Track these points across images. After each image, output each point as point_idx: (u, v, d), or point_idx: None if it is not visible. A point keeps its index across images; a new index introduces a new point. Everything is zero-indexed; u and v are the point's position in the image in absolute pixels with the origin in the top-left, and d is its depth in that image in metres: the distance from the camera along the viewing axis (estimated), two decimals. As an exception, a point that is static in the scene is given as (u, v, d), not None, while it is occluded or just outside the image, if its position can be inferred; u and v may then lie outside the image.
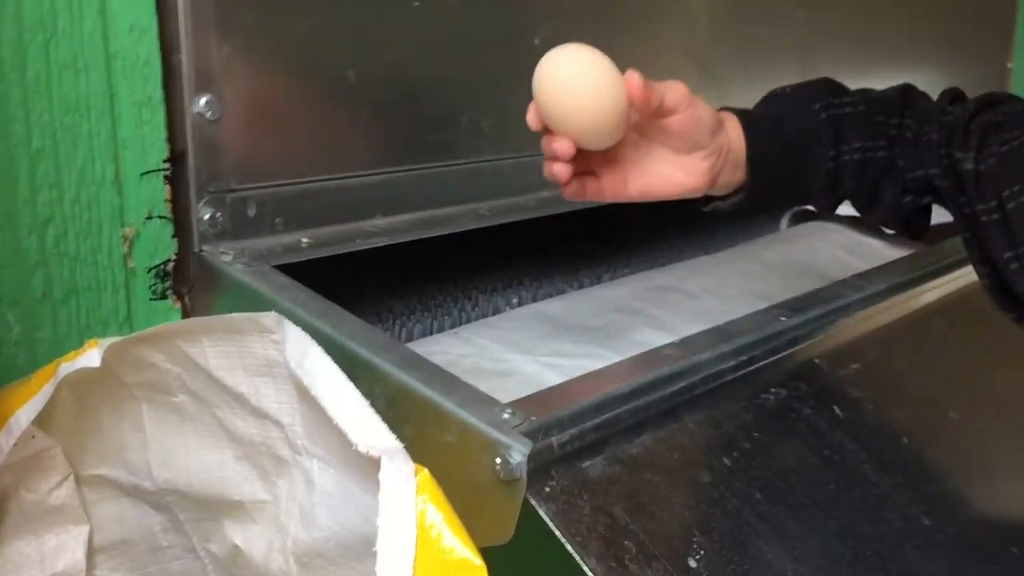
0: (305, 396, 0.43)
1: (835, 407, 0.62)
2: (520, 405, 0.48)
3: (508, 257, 0.81)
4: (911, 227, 0.64)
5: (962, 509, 0.60)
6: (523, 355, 0.69)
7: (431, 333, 0.75)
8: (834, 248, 0.96)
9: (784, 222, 1.07)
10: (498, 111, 0.74)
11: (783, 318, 0.64)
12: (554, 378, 0.66)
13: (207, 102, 0.57)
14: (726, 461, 0.54)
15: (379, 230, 0.66)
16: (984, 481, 0.65)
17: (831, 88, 0.63)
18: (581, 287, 0.86)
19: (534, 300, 0.82)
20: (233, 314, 0.44)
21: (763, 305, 0.81)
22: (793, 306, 0.67)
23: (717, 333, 0.60)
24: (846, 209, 1.03)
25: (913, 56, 1.26)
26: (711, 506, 0.51)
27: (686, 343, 0.58)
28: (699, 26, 0.92)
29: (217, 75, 0.57)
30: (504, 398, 0.61)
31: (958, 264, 0.79)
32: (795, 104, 0.62)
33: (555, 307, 0.79)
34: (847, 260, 0.94)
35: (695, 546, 0.48)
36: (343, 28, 0.64)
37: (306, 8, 0.61)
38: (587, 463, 0.49)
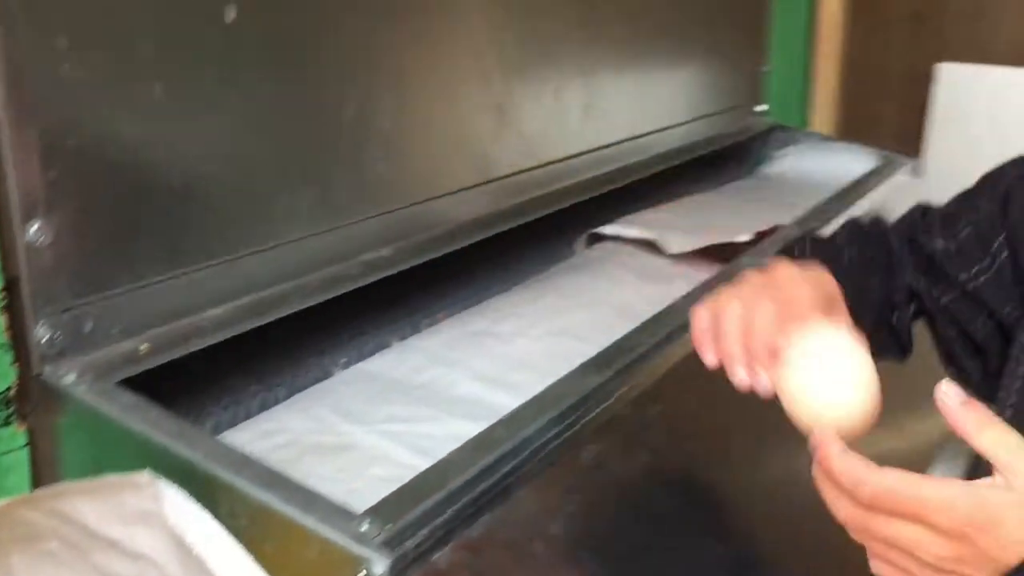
0: (180, 543, 0.47)
1: (642, 453, 0.72)
2: (375, 512, 0.54)
3: (333, 318, 0.85)
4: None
5: (763, 537, 0.71)
6: (360, 425, 0.74)
7: (269, 406, 0.78)
8: (628, 274, 1.06)
9: (579, 245, 1.16)
10: (313, 187, 0.77)
11: (591, 378, 0.72)
12: (392, 448, 0.72)
13: (37, 228, 0.58)
14: (553, 528, 0.62)
15: (215, 322, 0.69)
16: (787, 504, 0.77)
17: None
18: (403, 337, 0.91)
19: (360, 356, 0.87)
20: (108, 476, 0.47)
21: (569, 342, 0.90)
22: (599, 362, 0.75)
23: (539, 403, 0.67)
24: (635, 231, 1.13)
25: (675, 63, 1.36)
26: (547, 573, 0.59)
27: (513, 420, 0.65)
28: (494, 75, 0.98)
29: (45, 200, 0.58)
30: (349, 478, 0.66)
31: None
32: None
33: (380, 365, 0.84)
34: (640, 286, 1.04)
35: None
36: (163, 136, 0.65)
37: (126, 128, 0.62)
38: (436, 555, 0.55)
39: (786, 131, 1.67)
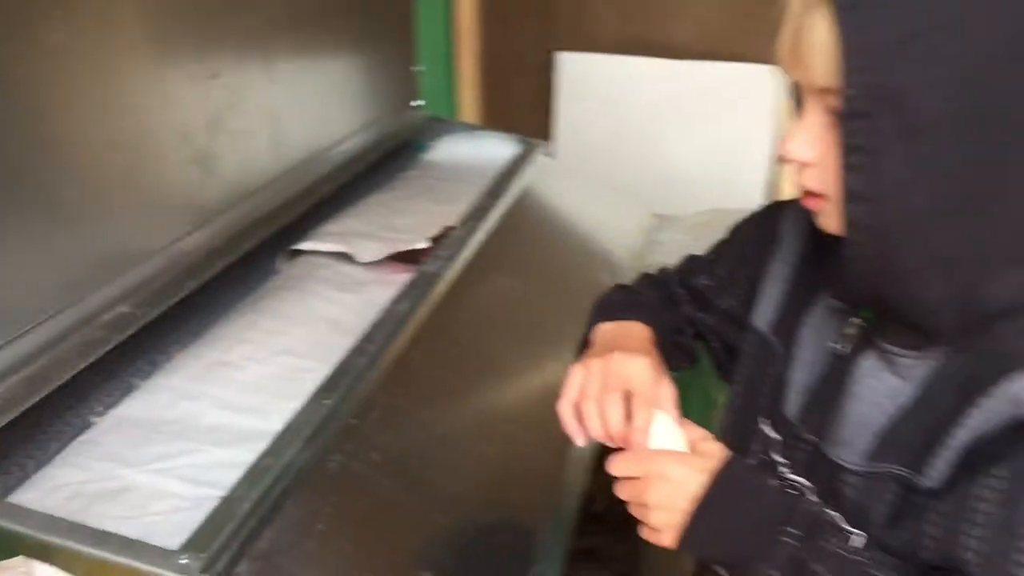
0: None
1: (371, 454, 0.92)
2: (189, 545, 0.69)
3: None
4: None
5: (473, 506, 0.94)
6: (131, 468, 0.87)
7: (44, 463, 0.88)
8: (328, 287, 1.24)
9: (281, 262, 1.32)
10: (55, 273, 0.88)
11: (325, 401, 0.91)
12: (165, 483, 0.86)
13: None
14: (319, 527, 0.81)
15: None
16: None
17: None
18: (146, 376, 1.03)
19: (112, 400, 0.98)
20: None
21: (294, 361, 1.07)
22: (328, 385, 0.93)
23: (291, 430, 0.85)
24: (328, 244, 1.30)
25: (338, 76, 1.53)
26: (319, 564, 0.78)
27: (274, 450, 0.82)
28: (197, 131, 1.11)
29: None
30: (139, 516, 0.81)
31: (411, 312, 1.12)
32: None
33: (133, 408, 0.97)
34: (341, 297, 1.22)
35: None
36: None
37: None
38: (239, 568, 0.72)
39: (440, 122, 1.90)
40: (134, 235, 1.01)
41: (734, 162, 2.04)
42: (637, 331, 0.87)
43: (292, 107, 1.35)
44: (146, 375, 1.03)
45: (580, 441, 0.79)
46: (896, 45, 0.62)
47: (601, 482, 0.98)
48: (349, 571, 0.79)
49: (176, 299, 1.03)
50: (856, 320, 0.75)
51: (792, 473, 0.76)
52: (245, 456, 0.87)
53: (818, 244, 0.80)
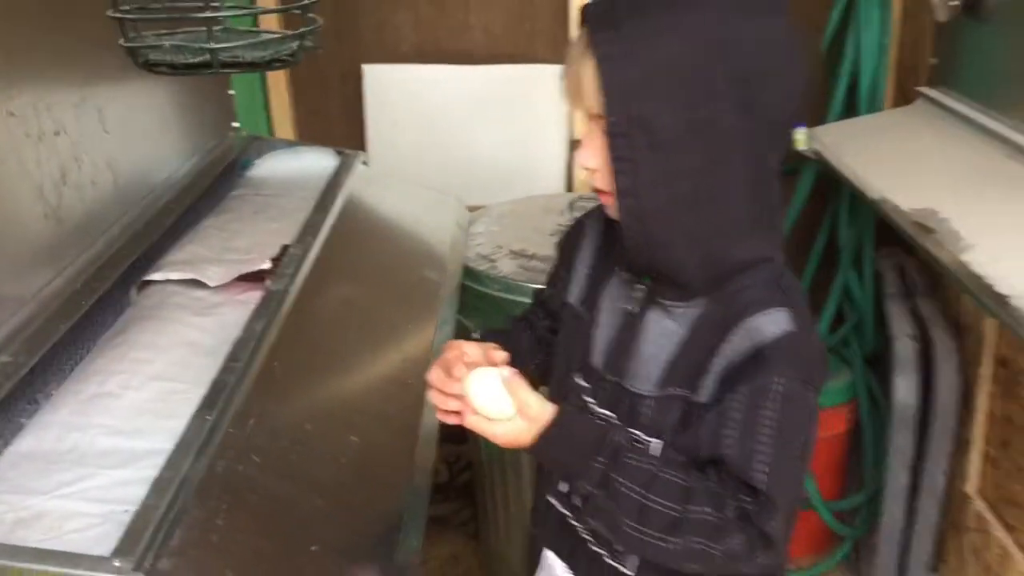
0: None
1: (252, 455, 1.07)
2: (118, 552, 0.83)
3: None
4: None
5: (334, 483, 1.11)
6: (40, 496, 0.99)
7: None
8: (184, 312, 1.37)
9: (133, 294, 1.43)
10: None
11: (207, 417, 1.05)
12: (74, 506, 0.99)
13: None
14: (219, 521, 0.96)
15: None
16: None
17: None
18: (30, 415, 1.13)
19: (4, 439, 1.09)
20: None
21: (167, 384, 1.20)
22: (206, 404, 1.08)
23: (182, 446, 0.99)
24: (177, 273, 1.42)
25: (155, 100, 1.63)
26: (220, 552, 0.93)
27: (172, 464, 0.96)
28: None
29: None
30: (59, 536, 0.93)
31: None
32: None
33: (28, 444, 1.07)
34: (197, 320, 1.35)
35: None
36: None
37: None
38: (160, 563, 0.87)
39: (259, 141, 2.03)
40: (4, 288, 1.11)
41: (533, 153, 2.27)
42: (488, 345, 1.08)
43: (127, 150, 1.46)
44: (31, 413, 1.14)
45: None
46: (641, 84, 0.87)
47: (443, 457, 1.18)
48: (250, 555, 0.95)
49: (51, 343, 1.14)
50: (640, 286, 1.02)
51: (599, 408, 1.02)
52: (140, 474, 1.01)
53: (610, 233, 1.05)
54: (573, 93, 0.94)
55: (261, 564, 0.95)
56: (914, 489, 1.92)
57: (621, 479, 0.90)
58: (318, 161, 1.96)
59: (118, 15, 1.01)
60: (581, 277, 1.11)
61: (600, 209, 1.05)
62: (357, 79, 2.25)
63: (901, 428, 1.86)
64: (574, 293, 1.10)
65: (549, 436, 0.93)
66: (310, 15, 1.08)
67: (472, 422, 0.96)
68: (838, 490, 2.23)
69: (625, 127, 0.89)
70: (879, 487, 1.96)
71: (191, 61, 1.02)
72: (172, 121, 1.67)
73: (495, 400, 0.93)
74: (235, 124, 1.98)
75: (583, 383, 1.05)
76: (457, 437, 2.34)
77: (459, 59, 2.24)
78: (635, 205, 0.92)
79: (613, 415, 1.00)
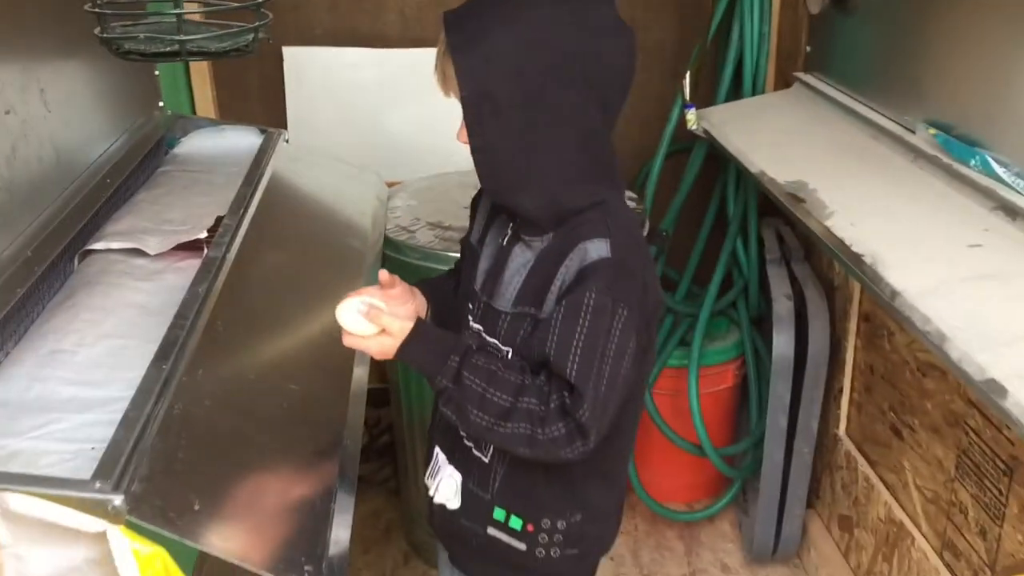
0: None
1: (205, 400, 1.20)
2: (97, 475, 0.96)
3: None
4: None
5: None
6: (13, 438, 1.10)
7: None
8: (127, 279, 1.47)
9: (76, 262, 1.53)
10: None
11: (163, 366, 1.17)
12: (44, 446, 1.10)
13: None
14: (180, 454, 1.08)
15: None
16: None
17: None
18: (-7, 370, 1.24)
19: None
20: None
21: (118, 341, 1.31)
22: (160, 355, 1.20)
23: (144, 389, 1.12)
24: (119, 242, 1.53)
25: (88, 81, 1.73)
26: (184, 479, 1.06)
27: (136, 405, 1.08)
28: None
29: None
30: (39, 470, 1.05)
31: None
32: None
33: (-5, 393, 1.18)
34: (140, 285, 1.46)
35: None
36: None
37: None
38: (134, 487, 0.99)
39: (184, 119, 2.12)
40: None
41: (447, 132, 2.40)
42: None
43: (66, 128, 1.55)
44: (-7, 366, 1.24)
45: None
46: (483, 65, 1.12)
47: (364, 421, 1.35)
48: (208, 482, 1.08)
49: (9, 306, 1.24)
50: (511, 224, 1.26)
51: (474, 324, 1.27)
52: (101, 417, 1.14)
53: None
54: (441, 82, 1.18)
55: (220, 489, 1.08)
56: (792, 433, 2.14)
57: (467, 374, 1.15)
58: (242, 139, 2.07)
59: (96, 10, 1.12)
60: (480, 222, 1.36)
61: None
62: (277, 60, 2.35)
63: (779, 378, 2.08)
64: (474, 235, 1.36)
65: (408, 345, 1.17)
66: (263, 10, 1.21)
67: (348, 342, 1.19)
68: (729, 438, 2.45)
69: (474, 100, 1.13)
70: (763, 433, 2.18)
71: (162, 51, 1.14)
72: (105, 100, 1.76)
73: (356, 323, 1.17)
74: (160, 103, 2.07)
75: (468, 305, 1.30)
76: (377, 401, 2.49)
77: (375, 42, 2.36)
78: (485, 159, 1.17)
79: (482, 328, 1.26)
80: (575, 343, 1.11)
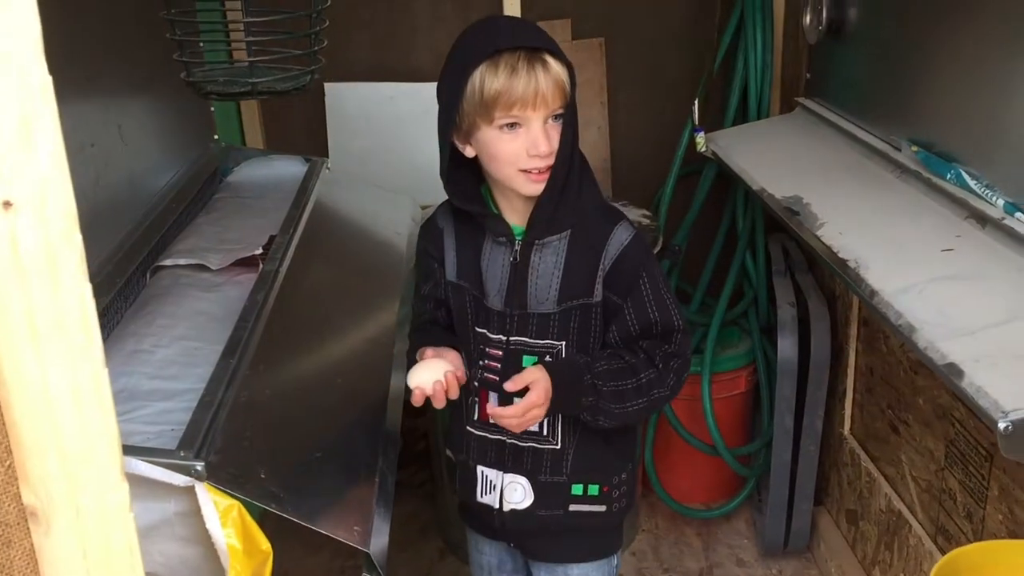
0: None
1: (265, 390, 1.38)
2: (182, 445, 1.14)
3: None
4: None
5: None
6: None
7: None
8: (194, 289, 1.67)
9: (149, 276, 1.73)
10: None
11: (230, 360, 1.36)
12: (134, 427, 1.29)
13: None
14: (247, 432, 1.27)
15: None
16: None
17: None
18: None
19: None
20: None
21: (191, 343, 1.51)
22: (229, 352, 1.39)
23: (215, 380, 1.31)
24: (185, 259, 1.72)
25: (154, 118, 1.94)
26: (249, 453, 1.25)
27: (210, 391, 1.27)
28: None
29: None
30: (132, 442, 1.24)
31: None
32: None
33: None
34: (205, 295, 1.66)
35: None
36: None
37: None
38: (210, 457, 1.18)
39: (236, 150, 2.33)
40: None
41: (474, 158, 2.60)
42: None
43: (138, 159, 1.76)
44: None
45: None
46: (571, 75, 1.29)
47: (400, 429, 1.53)
48: (272, 457, 1.27)
49: (99, 311, 1.44)
50: (517, 239, 1.39)
51: (513, 337, 1.40)
52: (179, 405, 1.33)
53: (461, 223, 1.44)
54: (540, 96, 1.27)
55: (280, 462, 1.26)
56: (799, 433, 2.29)
57: (600, 383, 1.33)
58: (288, 167, 2.28)
59: (184, 60, 1.35)
60: (451, 259, 1.46)
61: (445, 208, 1.49)
62: (319, 95, 2.56)
63: (784, 381, 2.24)
64: (450, 273, 1.46)
65: (561, 395, 1.34)
66: (317, 55, 1.42)
67: (517, 424, 1.36)
68: (744, 441, 2.60)
69: (572, 109, 1.31)
70: (773, 434, 2.33)
71: (238, 91, 1.34)
72: (168, 134, 1.98)
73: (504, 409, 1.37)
74: (215, 136, 2.28)
75: (483, 329, 1.42)
76: (414, 411, 2.67)
77: (409, 77, 2.57)
78: (565, 167, 1.32)
79: (525, 337, 1.40)
80: (666, 300, 1.36)
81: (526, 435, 1.43)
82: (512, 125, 1.29)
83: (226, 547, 1.06)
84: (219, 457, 1.18)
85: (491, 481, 1.49)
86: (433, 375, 1.36)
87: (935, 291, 1.48)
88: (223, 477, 1.15)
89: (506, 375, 1.38)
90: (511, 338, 1.40)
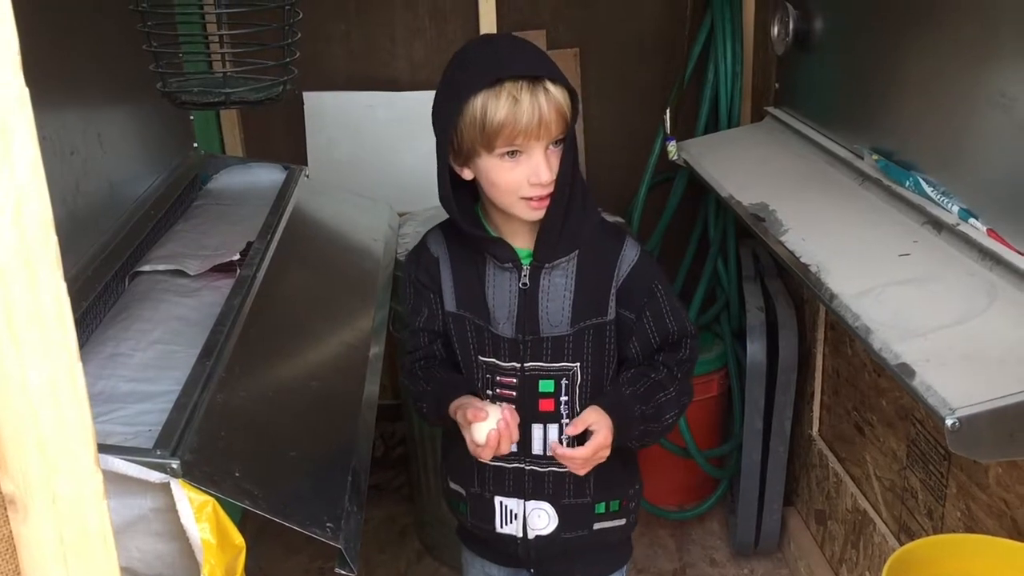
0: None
1: (240, 392, 1.42)
2: (159, 445, 1.18)
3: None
4: None
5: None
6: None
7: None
8: (172, 296, 1.71)
9: (127, 282, 1.76)
10: None
11: (206, 363, 1.40)
12: (112, 428, 1.32)
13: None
14: (222, 432, 1.31)
15: None
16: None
17: None
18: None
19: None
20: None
21: (168, 347, 1.54)
22: (206, 354, 1.42)
23: (191, 381, 1.34)
24: (163, 264, 1.76)
25: (135, 126, 1.98)
26: (224, 454, 1.28)
27: (186, 392, 1.31)
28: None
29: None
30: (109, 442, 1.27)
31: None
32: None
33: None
34: (182, 300, 1.69)
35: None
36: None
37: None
38: (185, 457, 1.21)
39: (215, 158, 2.37)
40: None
41: (451, 166, 2.64)
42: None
43: (118, 166, 1.79)
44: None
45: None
46: (572, 103, 1.28)
47: (379, 434, 1.54)
48: (246, 456, 1.31)
49: (76, 317, 1.47)
50: (525, 264, 1.37)
51: (527, 363, 1.39)
52: (156, 407, 1.36)
53: (462, 247, 1.42)
54: (544, 125, 1.25)
55: (255, 462, 1.30)
56: (768, 434, 2.34)
57: (643, 408, 1.36)
58: (267, 175, 2.31)
59: (159, 70, 1.38)
60: (449, 288, 1.42)
61: (436, 234, 1.47)
62: (298, 103, 2.60)
63: (753, 383, 2.29)
64: (449, 303, 1.42)
65: (619, 431, 1.35)
66: (290, 67, 1.46)
67: (582, 469, 1.38)
68: (716, 443, 2.65)
69: (572, 137, 1.30)
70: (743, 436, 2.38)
71: (211, 101, 1.38)
72: (148, 142, 2.01)
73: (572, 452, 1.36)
74: (195, 144, 2.32)
75: (492, 359, 1.41)
76: (392, 416, 2.71)
77: (387, 86, 2.61)
78: (565, 191, 1.32)
79: (539, 362, 1.39)
80: (676, 309, 1.41)
81: (545, 460, 1.42)
82: (513, 153, 1.28)
83: (200, 542, 1.09)
84: (194, 456, 1.22)
85: (512, 510, 1.45)
86: (489, 426, 1.32)
87: (892, 294, 1.53)
88: (198, 475, 1.18)
89: (522, 402, 1.39)
90: (526, 364, 1.39)
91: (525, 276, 1.37)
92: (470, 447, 1.33)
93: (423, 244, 1.48)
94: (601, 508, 1.47)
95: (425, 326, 1.46)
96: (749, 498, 2.38)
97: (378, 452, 2.88)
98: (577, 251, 1.36)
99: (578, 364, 1.38)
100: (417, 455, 2.55)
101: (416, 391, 1.48)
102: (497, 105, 1.24)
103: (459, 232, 1.38)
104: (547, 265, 1.36)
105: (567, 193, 1.30)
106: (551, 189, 1.29)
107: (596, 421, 1.33)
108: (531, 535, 1.45)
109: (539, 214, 1.32)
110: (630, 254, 1.38)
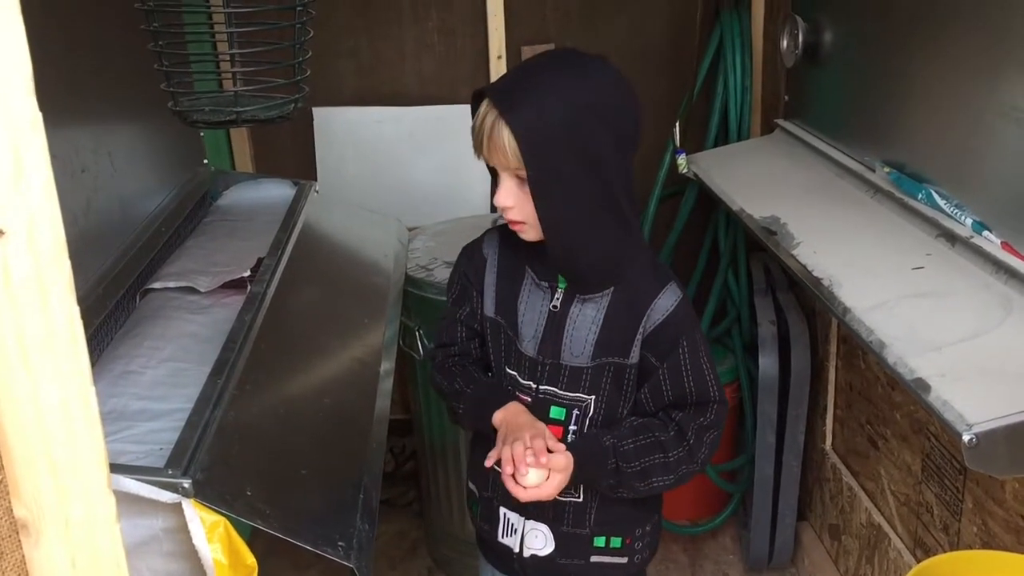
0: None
1: (251, 409, 1.41)
2: (170, 464, 1.18)
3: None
4: None
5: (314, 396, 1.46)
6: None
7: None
8: (182, 312, 1.71)
9: (139, 299, 1.76)
10: None
11: (217, 381, 1.40)
12: (123, 447, 1.32)
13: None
14: (234, 449, 1.30)
15: None
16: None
17: None
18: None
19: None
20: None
21: (178, 364, 1.54)
22: (217, 372, 1.42)
23: (203, 399, 1.34)
24: (174, 281, 1.76)
25: (146, 144, 1.98)
26: (236, 470, 1.28)
27: (198, 411, 1.31)
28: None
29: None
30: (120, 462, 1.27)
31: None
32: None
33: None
34: (193, 317, 1.69)
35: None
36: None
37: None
38: (197, 475, 1.21)
39: (225, 174, 2.37)
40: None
41: (460, 181, 2.65)
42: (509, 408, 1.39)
43: (128, 184, 1.80)
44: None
45: (509, 469, 1.29)
46: (548, 143, 1.21)
47: (389, 448, 1.53)
48: (257, 474, 1.30)
49: (87, 335, 1.47)
50: (560, 288, 1.37)
51: (543, 385, 1.37)
52: (167, 425, 1.36)
53: (507, 253, 1.41)
54: (488, 150, 1.24)
55: (266, 480, 1.29)
56: (781, 448, 2.33)
57: (625, 465, 1.31)
58: (277, 190, 2.32)
59: (171, 89, 1.39)
60: (491, 293, 1.42)
61: (493, 235, 1.44)
62: (307, 119, 2.61)
63: (765, 397, 2.27)
64: (488, 307, 1.42)
65: (576, 472, 1.30)
66: (301, 85, 1.47)
67: (528, 496, 1.28)
68: (727, 457, 2.64)
69: (541, 176, 1.21)
70: (755, 450, 2.37)
71: (223, 120, 1.38)
72: (158, 160, 2.02)
73: (537, 477, 1.28)
74: (204, 160, 2.32)
75: (514, 372, 1.39)
76: (402, 431, 2.70)
77: (395, 101, 2.62)
78: (552, 229, 1.25)
79: (554, 387, 1.37)
80: (705, 371, 1.33)
81: None
82: (494, 169, 1.29)
83: (212, 562, 1.08)
84: (206, 475, 1.21)
85: (512, 524, 1.46)
86: (542, 477, 1.29)
87: (906, 308, 1.52)
88: (210, 495, 1.18)
89: None
90: (541, 387, 1.38)
91: (558, 299, 1.36)
92: (504, 468, 1.29)
93: (479, 241, 1.47)
94: (600, 542, 1.44)
95: (466, 320, 1.46)
96: (762, 513, 2.37)
97: (388, 467, 2.88)
98: (613, 288, 1.34)
99: (593, 398, 1.36)
100: (428, 470, 2.55)
101: (451, 389, 1.45)
102: (477, 115, 1.28)
103: (513, 238, 1.36)
104: (583, 296, 1.34)
105: (557, 235, 1.26)
106: (513, 217, 1.28)
107: (562, 470, 1.29)
108: (526, 553, 1.45)
109: (525, 236, 1.31)
110: (665, 303, 1.32)
